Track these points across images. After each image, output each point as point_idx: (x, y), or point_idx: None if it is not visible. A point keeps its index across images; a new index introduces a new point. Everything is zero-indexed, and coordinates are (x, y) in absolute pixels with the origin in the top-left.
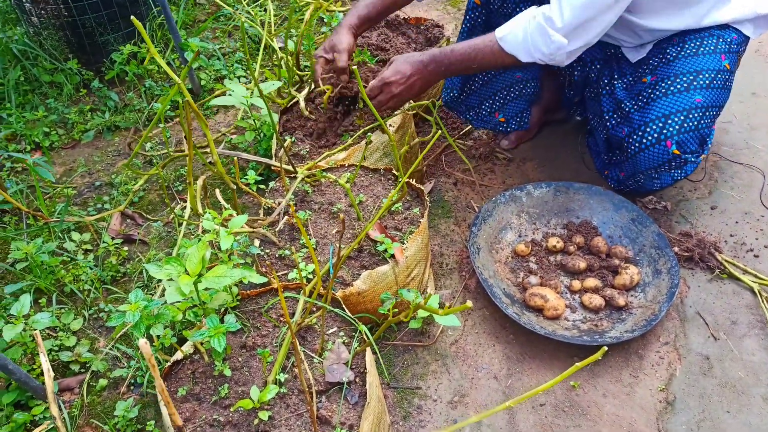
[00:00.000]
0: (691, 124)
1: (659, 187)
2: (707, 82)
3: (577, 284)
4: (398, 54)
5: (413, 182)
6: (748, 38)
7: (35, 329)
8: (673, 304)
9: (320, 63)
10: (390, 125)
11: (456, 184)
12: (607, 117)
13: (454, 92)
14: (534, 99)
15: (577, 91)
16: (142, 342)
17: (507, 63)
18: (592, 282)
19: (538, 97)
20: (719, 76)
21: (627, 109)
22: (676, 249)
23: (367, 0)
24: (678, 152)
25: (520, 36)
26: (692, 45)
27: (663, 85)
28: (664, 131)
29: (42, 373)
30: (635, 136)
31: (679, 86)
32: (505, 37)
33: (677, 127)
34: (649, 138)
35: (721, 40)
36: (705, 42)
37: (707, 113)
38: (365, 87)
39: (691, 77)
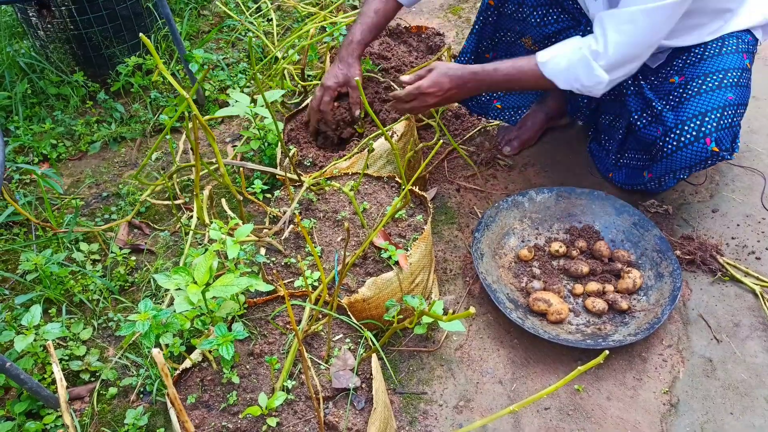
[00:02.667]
0: (726, 121)
1: (664, 188)
2: (735, 80)
3: (579, 288)
4: (399, 61)
5: (416, 189)
6: (758, 40)
7: (46, 339)
8: (676, 307)
9: (329, 94)
10: (393, 133)
11: (459, 190)
12: (636, 116)
13: None
14: (534, 99)
15: (594, 97)
16: (156, 351)
17: (545, 87)
18: (594, 286)
19: (538, 97)
20: (744, 74)
21: (659, 109)
22: (677, 252)
23: (366, 22)
24: (717, 149)
25: (562, 64)
26: (715, 45)
27: (694, 84)
28: (703, 129)
29: (52, 383)
30: (672, 135)
31: (711, 84)
32: (547, 63)
33: (714, 124)
34: (687, 136)
35: (740, 40)
36: (726, 42)
37: (738, 110)
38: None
39: (721, 75)
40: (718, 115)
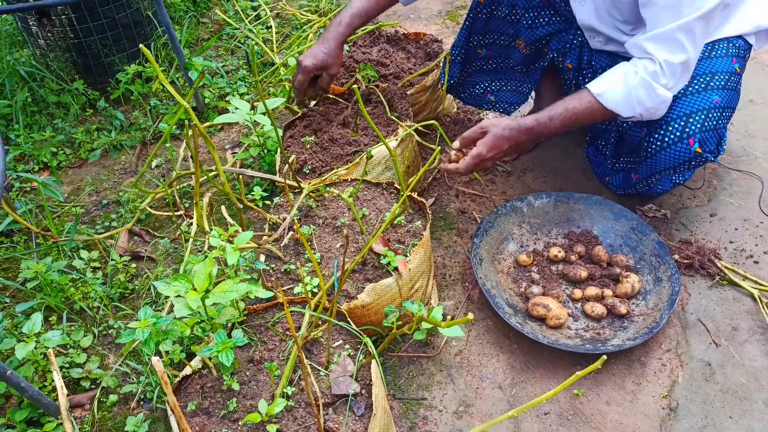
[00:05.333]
0: (710, 123)
1: (660, 191)
2: (722, 83)
3: (578, 293)
4: (398, 68)
5: (415, 195)
6: (751, 46)
7: (47, 347)
8: (675, 312)
9: (304, 75)
10: (391, 140)
11: (458, 195)
12: (621, 119)
13: (453, 80)
14: (525, 99)
15: None
16: (155, 359)
17: (606, 119)
18: (593, 290)
19: (532, 91)
20: (732, 78)
21: None
22: (676, 256)
23: (357, 6)
24: (700, 150)
25: (621, 93)
26: (705, 49)
27: None
28: (686, 129)
29: (53, 390)
30: (656, 135)
31: (697, 87)
32: (604, 94)
33: (698, 125)
34: (671, 137)
35: (731, 44)
36: (717, 46)
37: (724, 113)
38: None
39: (708, 78)
40: (703, 116)
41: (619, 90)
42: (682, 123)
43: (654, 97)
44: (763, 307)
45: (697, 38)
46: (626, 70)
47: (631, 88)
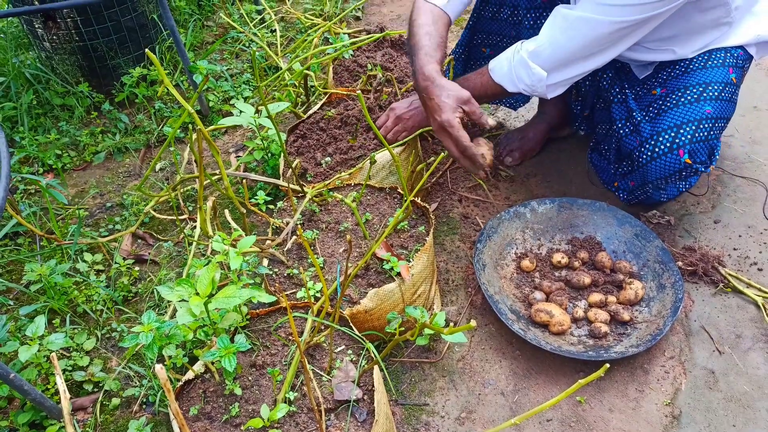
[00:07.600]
0: (701, 134)
1: (666, 198)
2: (716, 93)
3: (582, 299)
4: (402, 72)
5: (418, 200)
6: (751, 57)
7: (50, 350)
8: (678, 319)
9: (461, 123)
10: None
11: (461, 200)
12: (619, 125)
13: (456, 78)
14: (529, 98)
15: (586, 104)
16: (158, 367)
17: (497, 92)
18: (596, 297)
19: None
20: (727, 88)
21: (638, 120)
22: (679, 263)
23: (434, 40)
24: (690, 161)
25: (505, 67)
26: (701, 58)
27: (673, 96)
28: (677, 140)
29: (56, 393)
30: (647, 146)
31: (689, 97)
32: (494, 68)
33: (689, 136)
34: (662, 147)
35: (728, 54)
36: (713, 55)
37: (716, 124)
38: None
39: (701, 88)
40: (694, 127)
41: (504, 66)
42: (673, 134)
43: (531, 75)
44: (766, 314)
45: (600, 39)
46: (514, 48)
47: (513, 65)
